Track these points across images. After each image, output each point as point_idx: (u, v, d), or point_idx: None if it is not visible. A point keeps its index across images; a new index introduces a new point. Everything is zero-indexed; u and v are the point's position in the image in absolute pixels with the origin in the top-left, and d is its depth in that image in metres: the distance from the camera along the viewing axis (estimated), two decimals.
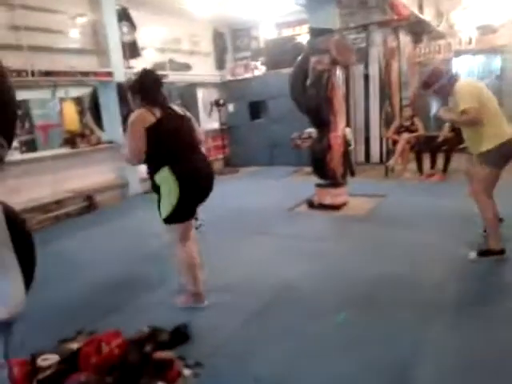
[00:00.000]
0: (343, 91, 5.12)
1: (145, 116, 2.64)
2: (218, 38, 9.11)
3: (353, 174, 6.70)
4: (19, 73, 5.04)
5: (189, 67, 8.23)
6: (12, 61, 4.76)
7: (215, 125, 8.76)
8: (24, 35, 5.31)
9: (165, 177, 2.67)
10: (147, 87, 2.74)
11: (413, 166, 6.70)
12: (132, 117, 2.65)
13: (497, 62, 8.44)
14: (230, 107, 8.92)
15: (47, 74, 5.44)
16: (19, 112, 5.63)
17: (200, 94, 8.72)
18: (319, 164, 4.92)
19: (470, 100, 3.05)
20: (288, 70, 7.96)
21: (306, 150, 7.41)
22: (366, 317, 2.61)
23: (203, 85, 8.78)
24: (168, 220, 2.75)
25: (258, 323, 2.66)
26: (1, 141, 1.63)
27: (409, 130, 6.71)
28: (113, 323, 2.59)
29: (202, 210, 3.13)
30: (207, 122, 8.66)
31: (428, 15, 7.68)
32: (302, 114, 5.24)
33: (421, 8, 6.87)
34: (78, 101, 8.26)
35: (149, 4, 6.97)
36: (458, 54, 8.49)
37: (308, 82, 4.68)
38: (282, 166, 8.16)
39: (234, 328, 2.60)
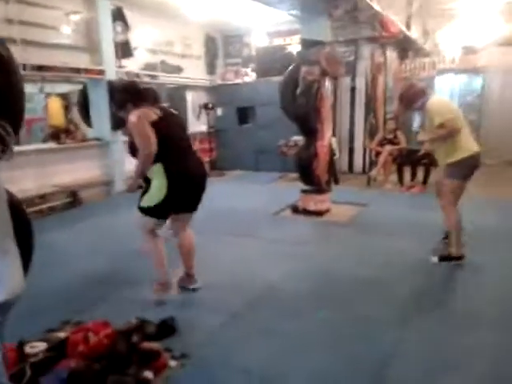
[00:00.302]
0: (331, 102, 5.27)
1: (147, 112, 2.73)
2: (210, 42, 9.23)
3: (337, 181, 6.87)
4: None
5: (180, 70, 8.31)
6: None
7: (203, 128, 8.84)
8: (18, 29, 5.32)
9: (157, 173, 2.76)
10: (136, 92, 2.85)
11: (394, 177, 6.92)
12: (134, 115, 2.69)
13: (478, 82, 8.79)
14: (219, 111, 9.03)
15: (39, 68, 5.44)
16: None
17: (189, 96, 8.81)
18: (305, 170, 5.06)
19: (445, 112, 3.28)
20: (278, 79, 8.13)
21: (291, 157, 7.57)
22: (346, 316, 2.74)
23: (193, 88, 8.87)
24: (145, 211, 2.84)
25: (243, 320, 2.75)
26: (8, 128, 1.68)
27: (392, 142, 6.94)
28: (98, 315, 2.63)
29: None
30: (195, 125, 8.74)
31: (415, 33, 7.97)
32: (291, 122, 5.39)
33: (408, 26, 7.14)
34: (64, 97, 8.25)
35: (143, 5, 7.05)
36: (441, 72, 8.82)
37: (298, 91, 4.83)
38: (267, 172, 8.30)
39: (219, 323, 2.69)
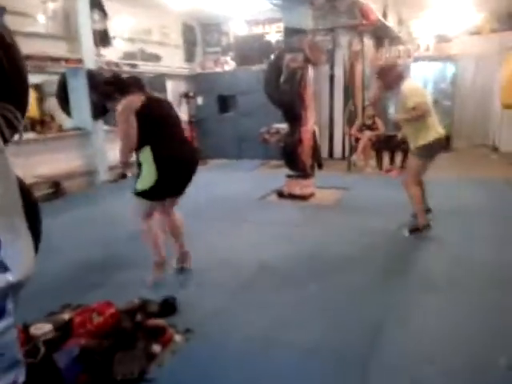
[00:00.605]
0: (314, 88, 5.39)
1: (132, 101, 2.81)
2: (188, 31, 9.18)
3: (320, 166, 7.02)
4: None
5: (159, 58, 8.26)
6: None
7: (184, 117, 8.82)
8: None
9: (146, 156, 2.84)
10: (121, 82, 2.97)
11: (373, 161, 7.14)
12: (120, 104, 2.81)
13: (451, 70, 9.08)
14: (199, 100, 9.03)
15: None
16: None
17: (169, 85, 8.76)
18: (290, 156, 5.19)
19: (417, 96, 3.53)
20: (257, 67, 8.26)
21: (273, 145, 7.70)
22: (336, 288, 2.92)
23: (172, 76, 8.82)
24: (139, 194, 2.92)
25: (241, 296, 2.88)
26: (15, 113, 1.72)
27: (370, 128, 7.15)
28: (97, 298, 2.67)
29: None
30: None
31: (391, 22, 8.16)
32: (272, 110, 5.48)
33: (385, 15, 7.31)
34: (37, 88, 8.06)
35: None
36: (416, 59, 9.06)
37: (282, 78, 4.92)
38: (249, 160, 8.40)
39: (218, 301, 2.80)
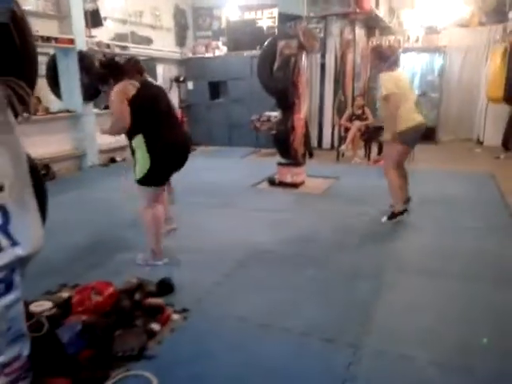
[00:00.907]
0: (307, 77, 5.44)
1: (126, 87, 2.85)
2: (180, 14, 9.08)
3: (311, 155, 7.12)
4: None
5: (150, 41, 8.17)
6: None
7: (174, 102, 8.77)
8: None
9: (139, 143, 2.89)
10: (116, 68, 2.96)
11: (362, 152, 7.25)
12: (114, 90, 2.84)
13: (439, 61, 9.21)
14: (190, 85, 8.98)
15: None
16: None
17: (160, 69, 8.68)
18: (283, 144, 5.25)
19: (389, 87, 3.64)
20: (249, 53, 8.25)
21: (264, 132, 7.75)
22: (325, 271, 3.04)
23: (163, 60, 8.74)
24: (141, 182, 2.97)
25: (236, 278, 2.96)
26: (26, 89, 1.73)
27: (360, 118, 7.23)
28: (94, 278, 2.71)
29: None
30: None
31: (382, 11, 8.22)
32: (263, 97, 5.52)
33: (377, 3, 7.36)
34: None
35: None
36: (405, 50, 9.15)
37: (275, 65, 4.95)
38: (240, 147, 8.42)
39: (213, 282, 2.88)
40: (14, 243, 1.62)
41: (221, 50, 8.94)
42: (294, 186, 5.36)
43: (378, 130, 6.91)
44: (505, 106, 7.57)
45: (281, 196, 5.12)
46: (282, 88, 5.00)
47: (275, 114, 7.08)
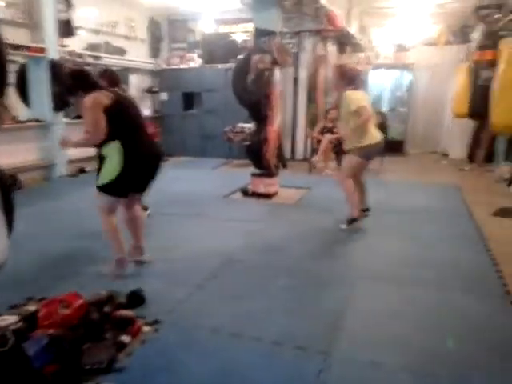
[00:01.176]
0: (280, 90, 5.54)
1: (99, 97, 2.82)
2: (154, 25, 9.09)
3: (284, 166, 7.20)
4: None
5: (123, 51, 8.13)
6: None
7: (147, 112, 8.73)
8: None
9: (111, 150, 2.86)
10: (86, 80, 2.92)
11: (333, 163, 7.40)
12: (88, 99, 2.80)
13: (407, 78, 9.56)
14: (164, 96, 8.97)
15: None
16: None
17: (133, 79, 8.64)
18: (256, 155, 5.30)
19: (359, 101, 3.85)
20: (223, 65, 8.33)
21: (237, 143, 7.81)
22: (296, 279, 3.09)
23: (137, 71, 8.71)
24: (102, 188, 2.94)
25: (208, 289, 2.95)
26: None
27: (331, 131, 7.39)
28: (61, 291, 2.64)
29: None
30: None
31: (353, 29, 8.48)
32: (239, 108, 5.57)
33: (348, 21, 7.60)
34: None
35: None
36: (375, 67, 9.47)
37: (249, 78, 5.03)
38: (213, 158, 8.44)
39: (185, 293, 2.86)
40: None
41: (195, 62, 8.99)
42: (268, 196, 5.41)
43: None
44: (469, 121, 7.91)
45: (254, 206, 5.15)
46: (255, 100, 5.08)
47: (249, 126, 7.16)
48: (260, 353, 2.21)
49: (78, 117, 5.95)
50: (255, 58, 5.00)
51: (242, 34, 8.86)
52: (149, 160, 3.03)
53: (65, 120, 6.80)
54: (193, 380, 2.01)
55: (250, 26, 7.25)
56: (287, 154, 8.60)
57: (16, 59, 6.35)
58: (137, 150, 2.91)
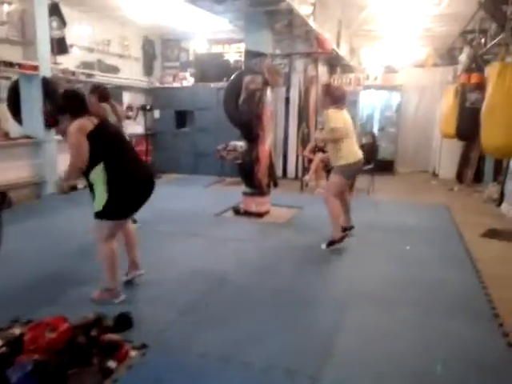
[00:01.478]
0: (271, 110, 5.60)
1: (84, 124, 2.83)
2: (148, 44, 9.20)
3: (276, 185, 7.23)
4: None
5: (117, 70, 8.20)
6: None
7: (140, 129, 8.76)
8: None
9: (97, 176, 2.85)
10: (76, 105, 2.93)
11: (324, 182, 7.44)
12: (74, 125, 2.82)
13: (396, 99, 9.74)
14: (156, 113, 9.02)
15: None
16: None
17: (126, 97, 8.69)
18: (248, 174, 5.33)
19: (338, 122, 4.02)
20: (216, 84, 8.43)
21: (230, 162, 7.84)
22: (286, 300, 3.08)
23: (130, 89, 8.77)
24: (99, 215, 2.91)
25: (196, 311, 2.92)
26: None
27: (322, 150, 7.45)
28: (48, 313, 2.60)
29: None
30: (131, 126, 8.62)
31: (344, 50, 8.65)
32: (229, 127, 5.63)
33: (338, 43, 7.75)
34: None
35: (82, 2, 6.89)
36: (365, 87, 9.63)
37: (241, 98, 5.09)
38: (205, 175, 8.46)
39: (173, 315, 2.83)
40: None
41: (188, 80, 9.08)
42: (259, 215, 5.41)
43: None
44: (459, 141, 8.04)
45: (245, 225, 5.15)
46: (246, 120, 5.13)
47: (241, 144, 7.20)
48: (249, 378, 2.19)
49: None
50: (247, 78, 5.07)
51: (234, 53, 9.00)
52: (140, 181, 3.02)
53: (56, 137, 6.79)
54: None
55: (243, 46, 7.39)
56: (279, 172, 8.66)
57: (9, 76, 6.39)
58: (125, 173, 2.91)
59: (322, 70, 8.60)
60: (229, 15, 5.27)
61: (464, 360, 2.35)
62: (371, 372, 2.23)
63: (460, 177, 8.42)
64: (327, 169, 7.37)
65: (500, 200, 6.19)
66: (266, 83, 5.10)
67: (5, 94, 6.46)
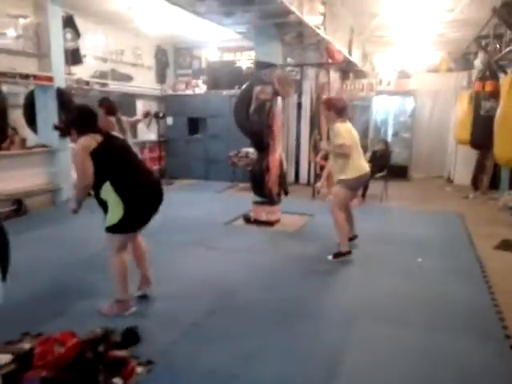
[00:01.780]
0: (282, 119, 5.61)
1: (87, 142, 2.86)
2: (161, 53, 9.31)
3: (286, 193, 7.21)
4: None
5: (130, 78, 8.32)
6: None
7: (153, 136, 8.87)
8: None
9: (108, 192, 2.88)
10: (83, 123, 2.96)
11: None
12: (79, 143, 2.86)
13: (410, 104, 9.63)
14: (169, 120, 9.11)
15: None
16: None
17: (140, 105, 8.80)
18: (258, 183, 5.34)
19: (346, 138, 4.03)
20: (228, 92, 8.48)
21: (241, 168, 7.87)
22: (293, 317, 3.04)
23: (143, 96, 8.89)
24: (111, 229, 2.95)
25: (204, 327, 2.92)
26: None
27: None
28: (58, 327, 2.65)
29: None
30: (145, 134, 8.74)
31: (356, 56, 8.61)
32: (240, 134, 5.65)
33: (350, 50, 7.72)
34: None
35: (95, 14, 7.03)
36: (378, 93, 9.56)
37: (251, 108, 5.10)
38: (216, 181, 8.50)
39: (180, 331, 2.84)
40: None
41: (200, 88, 9.15)
42: (269, 224, 5.42)
43: None
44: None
45: (255, 234, 5.15)
46: (256, 130, 5.14)
47: (252, 151, 7.21)
48: None
49: None
50: (257, 89, 5.08)
51: (246, 61, 9.03)
52: (150, 194, 3.06)
53: (71, 145, 6.91)
54: None
55: (254, 54, 7.42)
56: (291, 178, 8.65)
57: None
58: (134, 186, 2.94)
59: (334, 76, 8.56)
60: (238, 27, 5.30)
61: None
62: None
63: (475, 183, 8.26)
64: None
65: None
66: (276, 93, 5.11)
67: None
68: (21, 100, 6.79)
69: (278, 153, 5.41)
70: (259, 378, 2.34)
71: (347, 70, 9.09)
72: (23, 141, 6.82)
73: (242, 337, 2.78)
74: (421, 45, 9.17)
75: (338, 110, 4.13)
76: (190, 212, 6.15)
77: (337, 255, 4.18)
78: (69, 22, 6.62)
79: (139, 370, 2.41)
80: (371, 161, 6.82)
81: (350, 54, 7.73)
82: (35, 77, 6.04)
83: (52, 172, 6.67)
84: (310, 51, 6.72)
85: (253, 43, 5.88)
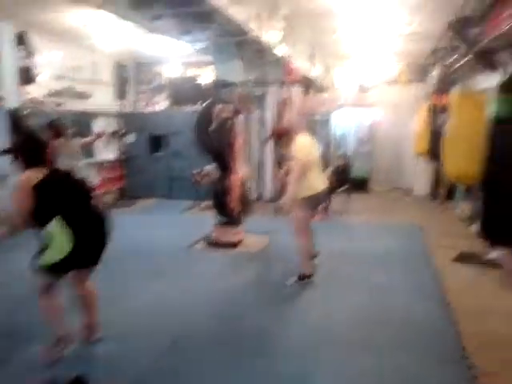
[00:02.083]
0: (244, 137, 5.58)
1: (30, 177, 2.69)
2: (120, 69, 9.11)
3: (249, 213, 7.15)
4: None
5: (88, 96, 8.07)
6: None
7: (111, 156, 8.63)
8: None
9: (51, 231, 2.69)
10: (29, 153, 2.80)
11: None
12: (21, 179, 2.69)
13: (370, 117, 9.87)
14: (130, 138, 8.90)
15: None
16: None
17: (99, 122, 8.54)
18: (220, 203, 5.27)
19: (304, 153, 3.97)
20: (190, 108, 8.37)
21: (204, 186, 7.75)
22: (255, 349, 2.97)
23: (102, 114, 8.64)
24: (49, 268, 2.74)
25: (162, 368, 2.78)
26: None
27: None
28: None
29: None
30: (103, 153, 8.48)
31: (318, 69, 8.73)
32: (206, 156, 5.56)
33: (313, 64, 7.80)
34: None
35: (51, 31, 6.80)
36: (338, 107, 9.75)
37: (212, 127, 5.04)
38: (180, 200, 8.33)
39: (136, 375, 2.68)
40: None
41: (162, 104, 9.01)
42: (232, 245, 5.33)
43: None
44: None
45: (217, 258, 5.02)
46: (217, 149, 5.08)
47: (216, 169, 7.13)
48: None
49: None
50: (217, 107, 5.04)
51: (209, 76, 8.96)
52: (95, 233, 2.90)
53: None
54: None
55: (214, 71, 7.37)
56: (254, 195, 8.59)
57: None
58: (80, 226, 2.77)
59: (296, 91, 8.64)
60: (199, 44, 5.26)
61: None
62: None
63: (434, 193, 8.53)
64: None
65: (472, 219, 6.26)
66: (237, 112, 5.08)
67: None
68: None
69: (241, 172, 5.35)
70: None
71: (308, 84, 9.21)
72: None
73: (206, 376, 2.65)
74: (380, 57, 9.40)
75: (282, 135, 4.23)
76: (150, 236, 5.92)
77: (300, 278, 4.13)
78: (21, 40, 6.36)
79: None
80: (333, 176, 6.91)
81: (314, 68, 7.82)
82: None
83: (2, 197, 6.31)
84: (272, 67, 6.76)
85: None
